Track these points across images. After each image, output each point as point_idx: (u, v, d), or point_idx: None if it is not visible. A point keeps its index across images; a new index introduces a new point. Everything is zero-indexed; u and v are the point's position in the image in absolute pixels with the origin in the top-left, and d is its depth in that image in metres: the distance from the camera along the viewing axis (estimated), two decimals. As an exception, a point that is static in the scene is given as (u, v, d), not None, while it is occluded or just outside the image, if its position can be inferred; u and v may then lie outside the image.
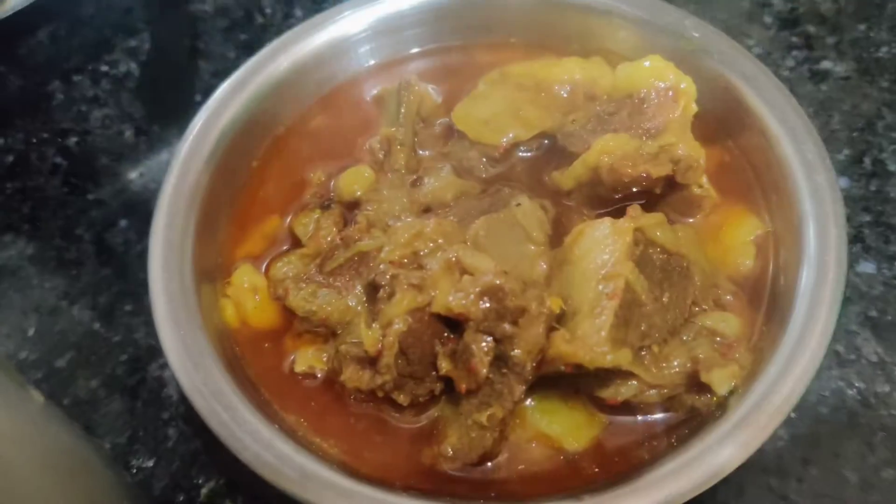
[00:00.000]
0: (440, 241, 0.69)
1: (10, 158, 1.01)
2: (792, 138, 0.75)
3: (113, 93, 1.06)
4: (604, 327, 0.61)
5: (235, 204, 0.82)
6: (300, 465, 0.63)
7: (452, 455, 0.65)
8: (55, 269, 0.92)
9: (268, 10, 1.13)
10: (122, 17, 1.13)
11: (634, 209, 0.68)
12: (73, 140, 1.02)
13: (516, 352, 0.62)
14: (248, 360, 0.73)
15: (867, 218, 0.88)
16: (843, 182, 0.91)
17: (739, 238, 0.75)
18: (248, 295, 0.75)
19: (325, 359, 0.71)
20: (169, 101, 1.06)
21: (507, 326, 0.62)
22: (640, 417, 0.67)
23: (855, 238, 0.87)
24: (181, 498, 0.76)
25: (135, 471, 0.78)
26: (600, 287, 0.64)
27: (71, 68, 1.09)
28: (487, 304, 0.62)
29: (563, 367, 0.62)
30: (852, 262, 0.85)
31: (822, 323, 0.65)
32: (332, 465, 0.64)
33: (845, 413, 0.78)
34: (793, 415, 0.76)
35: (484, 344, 0.62)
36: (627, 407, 0.66)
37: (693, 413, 0.66)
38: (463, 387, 0.64)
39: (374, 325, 0.65)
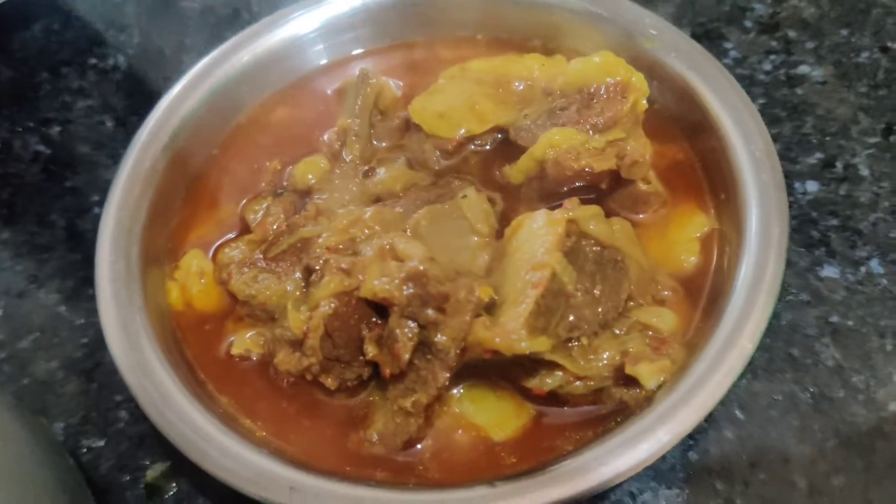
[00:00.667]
0: (377, 228, 0.69)
1: (-4, 146, 1.04)
2: (743, 137, 0.74)
3: (97, 84, 1.08)
4: (523, 315, 0.60)
5: (191, 190, 0.83)
6: (222, 444, 0.63)
7: (378, 440, 0.65)
8: (27, 253, 0.93)
9: (255, 8, 1.14)
10: (114, 12, 1.16)
11: (572, 202, 0.68)
12: (55, 129, 1.04)
13: (440, 338, 0.62)
14: (189, 342, 0.74)
15: (834, 222, 0.87)
16: (812, 186, 0.89)
17: (686, 235, 0.75)
18: (194, 278, 0.76)
19: (262, 343, 0.72)
20: (152, 94, 1.07)
21: (430, 312, 0.62)
22: (567, 409, 0.67)
23: (820, 242, 0.85)
24: (126, 478, 0.77)
25: (84, 450, 0.79)
26: (528, 276, 0.63)
27: (61, 61, 1.11)
28: (411, 290, 0.62)
29: (484, 354, 0.62)
30: (815, 265, 0.84)
31: (755, 320, 0.64)
32: (258, 447, 0.64)
33: (797, 417, 0.76)
34: (741, 416, 0.76)
35: (408, 329, 0.63)
36: (555, 398, 0.66)
37: (622, 406, 0.66)
38: (387, 371, 0.64)
39: (302, 307, 0.66)
